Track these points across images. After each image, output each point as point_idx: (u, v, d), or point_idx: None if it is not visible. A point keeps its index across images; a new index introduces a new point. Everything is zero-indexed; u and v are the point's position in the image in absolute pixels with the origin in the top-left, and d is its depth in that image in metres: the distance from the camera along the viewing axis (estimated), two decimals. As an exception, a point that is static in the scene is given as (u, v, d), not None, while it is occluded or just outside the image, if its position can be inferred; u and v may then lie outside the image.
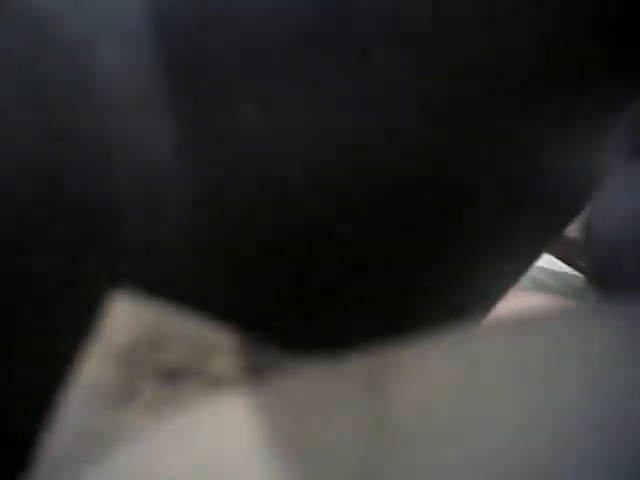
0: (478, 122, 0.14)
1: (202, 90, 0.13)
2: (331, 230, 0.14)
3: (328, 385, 0.09)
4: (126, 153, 0.13)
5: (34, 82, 0.13)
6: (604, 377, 0.07)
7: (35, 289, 0.13)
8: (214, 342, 0.10)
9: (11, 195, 0.12)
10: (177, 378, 0.10)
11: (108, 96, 0.13)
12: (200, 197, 0.13)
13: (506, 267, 0.17)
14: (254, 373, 0.10)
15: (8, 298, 0.13)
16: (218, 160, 0.13)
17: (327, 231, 0.14)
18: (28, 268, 0.13)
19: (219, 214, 0.13)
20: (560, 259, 0.77)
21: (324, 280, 0.14)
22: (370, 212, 0.14)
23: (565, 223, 0.17)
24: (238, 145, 0.13)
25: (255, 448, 0.08)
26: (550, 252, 0.72)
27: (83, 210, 0.13)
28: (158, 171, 0.13)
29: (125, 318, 0.10)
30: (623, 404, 0.07)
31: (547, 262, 0.75)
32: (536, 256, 0.18)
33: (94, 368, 0.10)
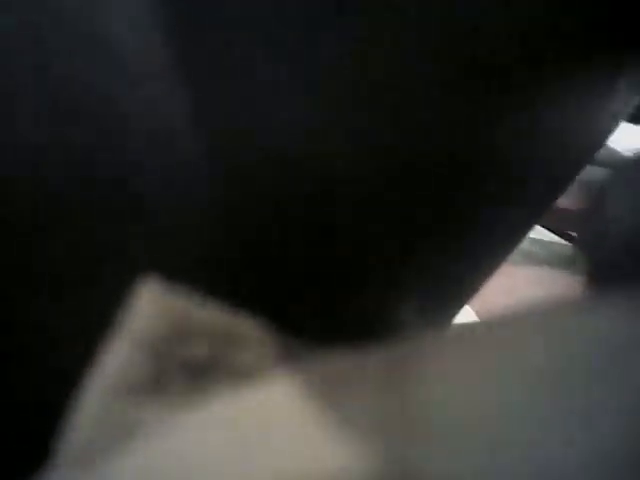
0: (472, 98, 0.14)
1: (212, 49, 0.13)
2: (332, 219, 0.14)
3: (343, 379, 0.09)
4: (142, 122, 0.13)
5: (45, 52, 0.12)
6: (602, 370, 0.07)
7: (57, 275, 0.13)
8: (242, 333, 0.10)
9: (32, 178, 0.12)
10: (205, 370, 0.10)
11: (116, 65, 0.13)
12: (216, 171, 0.13)
13: (500, 238, 0.16)
14: (281, 363, 0.10)
15: (27, 285, 0.13)
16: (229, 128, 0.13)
17: (328, 220, 0.14)
18: (49, 253, 0.13)
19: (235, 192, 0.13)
20: (548, 229, 0.77)
21: (325, 271, 0.14)
22: (375, 197, 0.14)
23: (559, 193, 0.17)
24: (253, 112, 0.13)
25: (277, 445, 0.08)
26: (540, 223, 0.72)
27: (103, 191, 0.13)
28: (175, 144, 0.13)
29: (152, 308, 0.10)
30: (625, 397, 0.07)
31: (536, 232, 0.75)
32: (530, 227, 0.17)
33: (120, 358, 0.10)
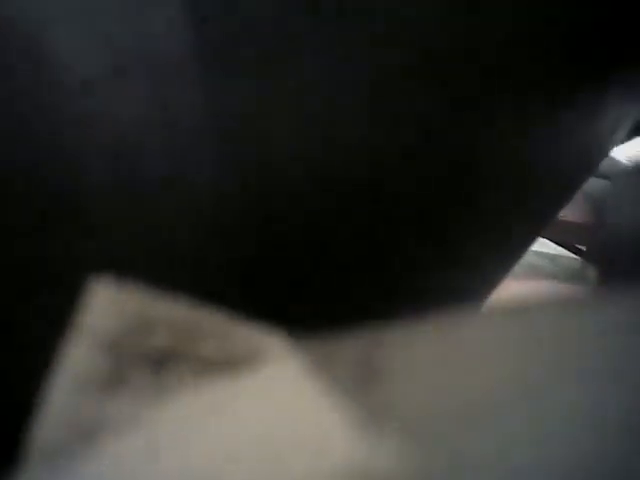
0: (476, 108, 0.14)
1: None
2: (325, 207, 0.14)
3: (318, 367, 0.09)
4: (95, 134, 0.13)
5: None
6: (601, 363, 0.07)
7: (14, 275, 0.13)
8: (202, 326, 0.10)
9: None
10: (166, 363, 0.10)
11: (67, 79, 0.13)
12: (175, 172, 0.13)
13: (503, 250, 0.17)
14: (244, 356, 0.10)
15: None
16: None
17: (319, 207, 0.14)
18: (7, 255, 0.13)
19: (202, 195, 0.13)
20: (555, 242, 0.77)
21: (315, 259, 0.14)
22: (370, 190, 0.14)
23: (561, 205, 0.17)
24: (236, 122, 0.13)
25: (248, 438, 0.08)
26: (545, 235, 0.72)
27: (53, 192, 0.13)
28: (132, 147, 0.13)
29: (109, 304, 0.10)
30: (623, 392, 0.07)
31: (542, 246, 0.74)
32: (533, 239, 0.17)
33: (79, 355, 0.10)
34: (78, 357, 0.10)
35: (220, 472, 0.08)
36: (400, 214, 0.14)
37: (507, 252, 0.17)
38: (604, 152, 0.17)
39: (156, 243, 0.13)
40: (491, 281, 0.17)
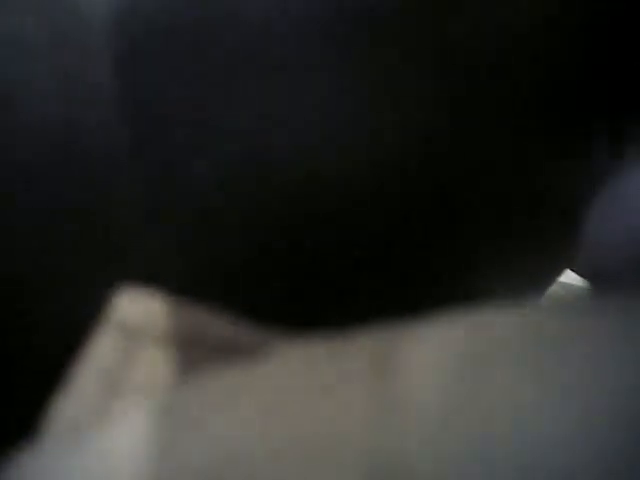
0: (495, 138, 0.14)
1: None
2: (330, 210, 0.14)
3: (330, 366, 0.09)
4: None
5: None
6: (605, 369, 0.07)
7: (40, 281, 0.13)
8: (213, 330, 0.11)
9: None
10: (183, 351, 0.11)
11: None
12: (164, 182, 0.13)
13: (523, 284, 0.16)
14: (245, 354, 0.11)
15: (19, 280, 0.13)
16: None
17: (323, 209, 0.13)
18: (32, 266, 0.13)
19: (201, 204, 0.13)
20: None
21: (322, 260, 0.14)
22: (381, 192, 0.14)
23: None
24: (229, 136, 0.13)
25: (253, 434, 0.08)
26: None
27: (74, 209, 0.13)
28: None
29: (135, 303, 0.11)
30: (623, 397, 0.07)
31: (566, 277, 0.63)
32: (556, 268, 0.17)
33: (104, 348, 0.11)
34: (102, 350, 0.11)
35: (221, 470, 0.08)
36: (414, 218, 0.14)
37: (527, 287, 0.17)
38: (611, 174, 0.17)
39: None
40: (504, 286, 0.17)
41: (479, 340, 0.08)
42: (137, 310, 0.11)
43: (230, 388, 0.09)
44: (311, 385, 0.08)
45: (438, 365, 0.08)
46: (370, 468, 0.07)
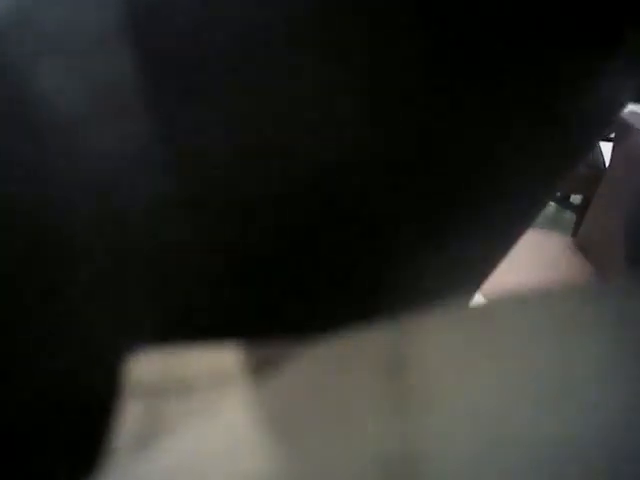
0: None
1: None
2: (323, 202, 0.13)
3: (343, 364, 0.09)
4: (78, 175, 0.13)
5: None
6: (601, 353, 0.07)
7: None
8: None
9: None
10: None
11: (51, 117, 0.13)
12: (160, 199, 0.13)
13: (524, 201, 0.16)
14: (259, 369, 0.10)
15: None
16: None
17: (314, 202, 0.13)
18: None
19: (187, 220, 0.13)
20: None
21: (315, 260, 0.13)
22: (369, 183, 0.13)
23: (580, 158, 0.17)
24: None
25: (270, 435, 0.08)
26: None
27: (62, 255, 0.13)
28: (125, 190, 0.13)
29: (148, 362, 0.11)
30: (625, 388, 0.06)
31: None
32: (551, 193, 0.18)
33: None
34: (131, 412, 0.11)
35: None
36: (410, 192, 0.14)
37: (530, 202, 0.17)
38: (624, 103, 0.17)
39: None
40: (503, 250, 0.17)
41: (491, 331, 0.08)
42: (154, 368, 0.11)
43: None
44: (322, 393, 0.08)
45: (450, 360, 0.08)
46: (385, 466, 0.07)
